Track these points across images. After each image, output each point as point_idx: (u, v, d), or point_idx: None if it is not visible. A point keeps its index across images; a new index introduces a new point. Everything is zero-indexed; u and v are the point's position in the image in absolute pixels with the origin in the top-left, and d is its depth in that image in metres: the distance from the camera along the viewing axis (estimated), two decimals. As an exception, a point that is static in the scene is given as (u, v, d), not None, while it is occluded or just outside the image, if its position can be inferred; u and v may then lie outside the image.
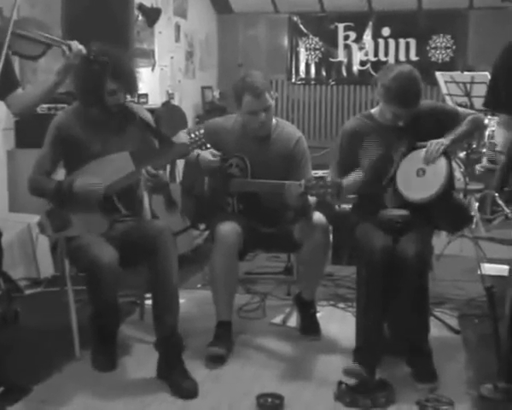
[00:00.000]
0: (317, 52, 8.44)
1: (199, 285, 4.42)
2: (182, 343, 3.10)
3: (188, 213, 3.68)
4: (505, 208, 4.02)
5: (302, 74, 8.54)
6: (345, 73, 8.39)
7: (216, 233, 3.33)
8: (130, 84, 3.23)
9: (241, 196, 3.44)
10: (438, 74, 6.17)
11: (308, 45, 8.45)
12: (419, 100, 3.21)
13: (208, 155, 3.42)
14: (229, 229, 3.31)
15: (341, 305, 4.07)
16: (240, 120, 3.56)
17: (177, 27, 7.36)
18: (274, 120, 3.57)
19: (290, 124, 3.75)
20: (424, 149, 3.22)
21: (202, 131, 3.23)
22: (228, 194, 3.46)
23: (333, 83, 8.44)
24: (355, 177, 3.32)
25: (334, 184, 3.12)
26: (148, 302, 3.43)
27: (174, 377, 2.99)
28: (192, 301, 4.12)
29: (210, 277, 3.45)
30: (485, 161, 3.05)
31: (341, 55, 8.36)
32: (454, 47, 7.94)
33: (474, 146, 5.60)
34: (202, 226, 3.70)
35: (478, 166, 3.02)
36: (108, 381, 3.10)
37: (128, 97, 3.32)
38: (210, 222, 3.52)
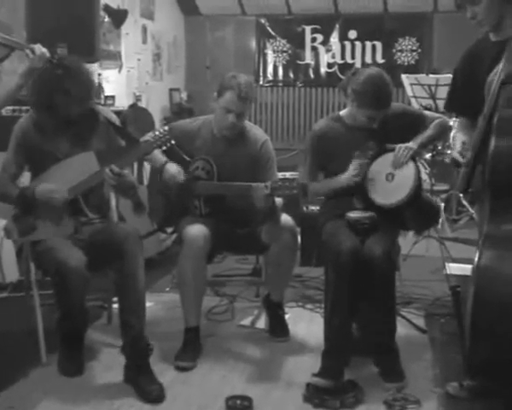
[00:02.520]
0: (285, 54, 8.47)
1: (167, 288, 4.41)
2: (149, 347, 3.08)
3: (155, 215, 3.66)
4: (470, 209, 4.06)
5: (270, 76, 8.56)
6: (312, 76, 8.43)
7: (184, 236, 3.32)
8: (84, 95, 3.18)
9: (208, 198, 3.44)
10: (403, 77, 6.23)
11: (276, 47, 8.47)
12: (391, 100, 3.25)
13: (174, 169, 3.42)
14: (196, 232, 3.30)
15: (310, 306, 4.09)
16: (207, 121, 3.56)
17: (144, 29, 7.32)
18: (241, 123, 3.58)
19: (257, 126, 3.76)
20: (393, 154, 3.26)
21: (166, 128, 3.22)
22: (194, 197, 3.46)
23: (300, 85, 8.47)
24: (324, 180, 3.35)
25: (300, 185, 3.14)
26: (116, 306, 3.41)
27: (141, 382, 2.98)
28: (160, 304, 4.11)
29: (178, 280, 3.44)
30: (454, 153, 3.11)
31: (309, 58, 8.39)
32: (419, 50, 8.02)
33: (440, 148, 5.68)
34: (170, 229, 3.68)
35: (454, 154, 3.07)
36: (76, 386, 3.07)
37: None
38: (177, 225, 3.51)
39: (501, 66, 2.64)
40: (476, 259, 2.49)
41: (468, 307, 2.44)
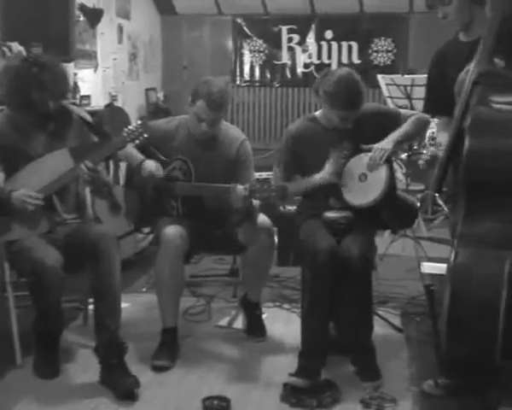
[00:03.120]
0: (262, 54, 8.46)
1: (144, 289, 4.39)
2: (123, 347, 3.07)
3: (131, 216, 3.65)
4: (445, 208, 4.10)
5: (247, 76, 8.55)
6: (289, 76, 8.44)
7: (161, 237, 3.31)
8: (61, 91, 3.16)
9: (185, 199, 3.43)
10: (379, 77, 6.26)
11: (252, 47, 8.46)
12: (363, 100, 3.26)
13: (152, 165, 3.40)
14: (174, 232, 3.29)
15: (287, 306, 4.10)
16: (183, 121, 3.55)
17: (120, 28, 7.28)
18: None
19: (234, 127, 3.75)
20: (368, 155, 3.26)
21: (140, 122, 3.20)
22: (172, 197, 3.45)
23: (277, 85, 8.47)
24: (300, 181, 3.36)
25: (279, 188, 3.14)
26: (92, 307, 3.38)
27: (115, 377, 2.98)
28: (137, 305, 4.09)
29: (155, 280, 3.43)
30: (427, 156, 3.13)
31: (285, 58, 8.40)
32: (395, 50, 8.06)
33: (416, 147, 5.71)
34: (146, 230, 3.67)
35: (420, 161, 3.09)
36: (51, 387, 3.05)
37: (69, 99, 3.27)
38: (154, 225, 3.50)
39: (472, 66, 2.67)
40: (452, 258, 2.52)
41: (445, 305, 2.46)
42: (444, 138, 2.96)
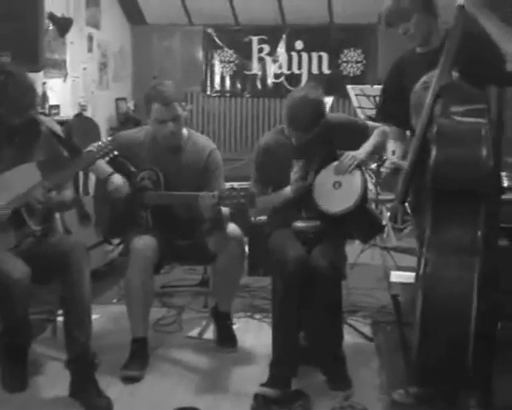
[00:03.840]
0: (232, 65, 8.49)
1: (114, 300, 4.36)
2: (95, 360, 3.04)
3: (101, 227, 3.62)
4: (410, 218, 4.17)
5: (217, 87, 8.57)
6: (259, 86, 8.47)
7: (130, 247, 3.30)
8: (27, 104, 3.13)
9: (155, 208, 3.42)
10: (349, 88, 6.32)
11: (223, 58, 8.48)
12: (312, 122, 3.27)
13: (119, 180, 3.39)
14: (143, 243, 3.28)
15: (258, 316, 4.10)
16: (151, 130, 3.54)
17: (90, 38, 7.25)
18: (186, 132, 3.58)
19: (204, 136, 3.76)
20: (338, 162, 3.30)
21: (110, 138, 3.20)
22: (141, 207, 3.43)
23: (248, 95, 8.50)
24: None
25: (247, 193, 3.15)
26: (61, 319, 3.35)
27: (87, 396, 2.93)
28: (107, 316, 4.05)
29: (125, 291, 3.40)
30: (387, 164, 3.18)
31: (256, 68, 8.44)
32: (364, 61, 8.15)
33: (385, 158, 5.76)
34: (116, 241, 3.64)
35: (382, 169, 3.14)
36: (19, 401, 3.01)
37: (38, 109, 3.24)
38: (124, 236, 3.48)
39: (434, 80, 2.71)
40: (422, 266, 2.54)
41: (417, 314, 2.48)
42: (394, 147, 3.02)
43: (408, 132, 3.18)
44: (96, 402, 2.91)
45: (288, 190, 3.31)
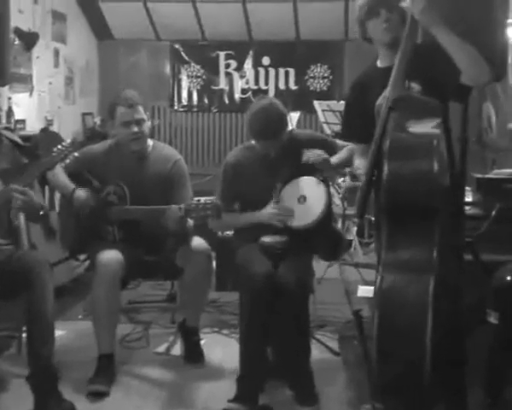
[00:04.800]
0: (199, 79, 8.49)
1: (80, 316, 4.31)
2: (57, 375, 3.00)
3: (67, 242, 3.59)
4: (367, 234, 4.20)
5: (184, 101, 8.56)
6: (227, 101, 8.49)
7: (96, 263, 3.27)
8: None
9: (121, 223, 3.41)
10: (315, 103, 6.36)
11: (190, 73, 8.48)
12: (281, 129, 3.30)
13: (82, 196, 3.38)
14: (109, 258, 3.26)
15: (225, 331, 4.09)
16: (114, 143, 3.55)
17: (56, 52, 7.20)
18: (151, 142, 3.59)
19: (169, 147, 3.78)
20: (304, 178, 3.33)
21: (69, 141, 3.16)
22: (107, 222, 3.41)
23: (215, 110, 8.51)
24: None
25: (214, 205, 3.16)
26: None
27: (50, 406, 2.91)
28: (73, 332, 4.01)
29: (91, 307, 3.37)
30: (347, 179, 3.20)
31: (223, 83, 8.45)
32: (331, 77, 8.21)
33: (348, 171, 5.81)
34: (82, 256, 3.61)
35: (341, 182, 3.17)
36: (-17, 420, 2.97)
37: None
38: (90, 251, 3.46)
39: (387, 91, 2.72)
40: (377, 285, 2.54)
41: (374, 332, 2.49)
42: (359, 163, 3.03)
43: None
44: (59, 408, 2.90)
45: (264, 214, 3.32)
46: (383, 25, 2.83)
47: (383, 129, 2.67)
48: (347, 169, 3.33)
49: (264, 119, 3.26)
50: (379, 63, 2.97)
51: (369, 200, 2.75)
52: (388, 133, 2.63)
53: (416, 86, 2.75)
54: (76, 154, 3.15)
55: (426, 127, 2.62)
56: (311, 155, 3.29)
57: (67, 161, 3.12)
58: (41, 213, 3.20)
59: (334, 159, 3.39)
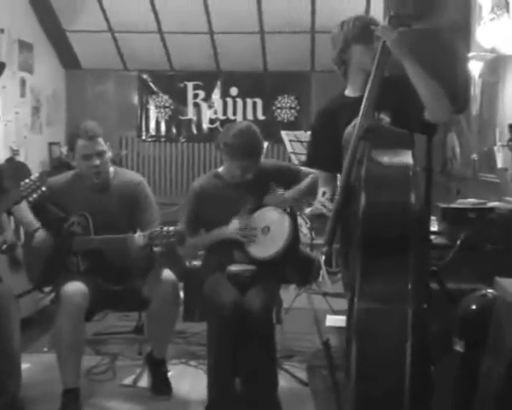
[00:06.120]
0: (167, 110, 8.50)
1: (45, 349, 4.24)
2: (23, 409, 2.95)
3: (32, 274, 3.54)
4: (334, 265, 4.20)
5: (152, 131, 8.56)
6: (195, 131, 8.51)
7: (61, 294, 3.23)
8: None
9: (86, 253, 3.38)
10: (283, 133, 6.42)
11: (158, 103, 8.50)
12: (261, 150, 3.40)
13: (41, 238, 3.37)
14: (74, 289, 3.22)
15: (193, 362, 4.05)
16: (76, 174, 3.54)
17: (23, 82, 7.17)
18: (112, 169, 3.59)
19: (131, 171, 3.78)
20: (270, 208, 3.37)
21: (37, 175, 3.13)
22: (71, 253, 3.38)
23: (183, 140, 8.52)
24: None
25: (177, 232, 3.15)
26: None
27: None
28: (38, 365, 3.94)
29: (55, 340, 3.32)
30: (314, 205, 3.20)
31: (191, 113, 8.48)
32: (298, 107, 8.29)
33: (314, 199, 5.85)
34: (47, 288, 3.57)
35: (307, 211, 3.19)
36: None
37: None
38: (55, 283, 3.42)
39: (358, 120, 2.71)
40: (354, 316, 2.51)
41: (352, 364, 2.47)
42: (321, 191, 3.03)
43: (339, 175, 3.17)
44: None
45: (229, 229, 3.34)
46: (373, 54, 2.76)
47: (353, 158, 2.68)
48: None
49: (248, 138, 3.33)
50: (347, 92, 2.95)
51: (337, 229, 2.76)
52: (363, 164, 2.60)
53: (385, 117, 2.77)
54: (43, 188, 3.11)
55: (399, 158, 2.61)
56: (271, 199, 3.34)
57: (35, 195, 3.09)
58: (3, 247, 3.16)
59: (297, 190, 3.42)
